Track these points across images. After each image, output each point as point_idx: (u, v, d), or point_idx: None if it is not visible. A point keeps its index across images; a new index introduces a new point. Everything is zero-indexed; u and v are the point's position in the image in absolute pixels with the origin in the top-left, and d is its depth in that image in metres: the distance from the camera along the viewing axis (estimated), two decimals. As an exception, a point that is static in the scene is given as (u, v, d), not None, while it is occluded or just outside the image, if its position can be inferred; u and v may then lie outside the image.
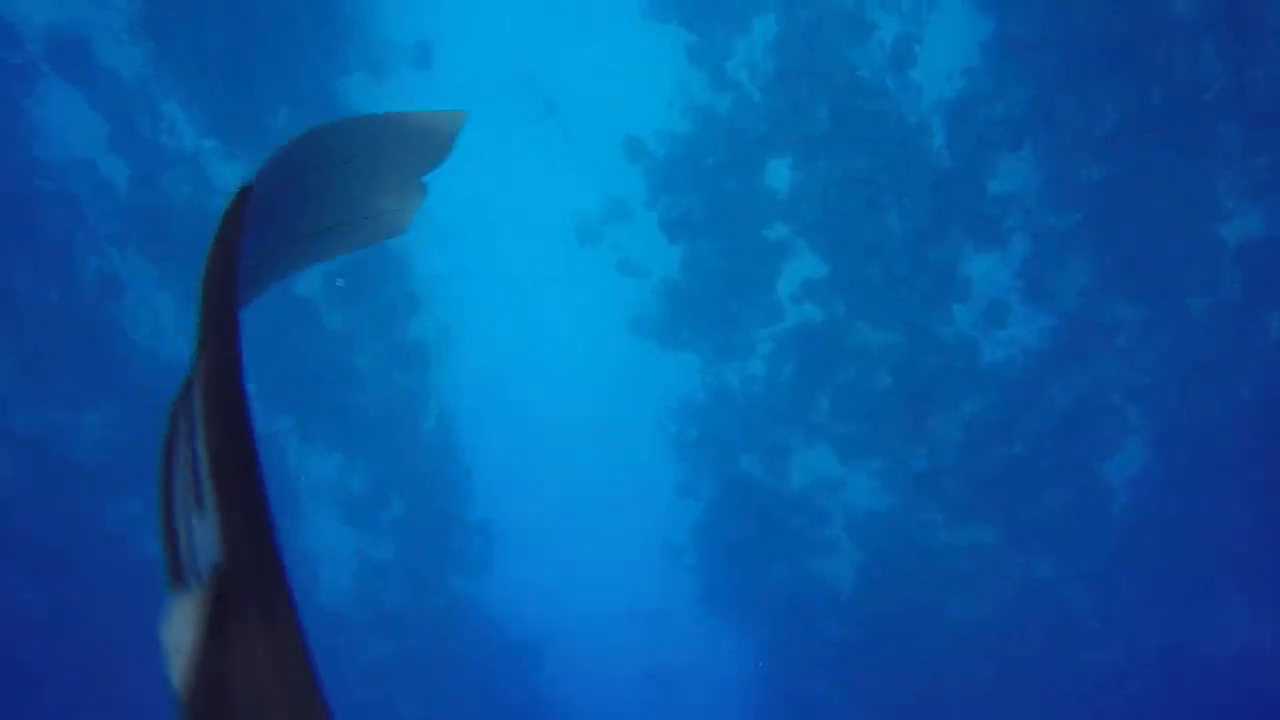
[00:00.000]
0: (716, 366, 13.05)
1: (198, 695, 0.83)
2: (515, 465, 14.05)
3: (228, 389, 1.02)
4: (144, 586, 13.64)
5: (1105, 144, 10.68)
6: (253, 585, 0.89)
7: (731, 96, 10.96)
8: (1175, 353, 11.79)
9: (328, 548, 14.98)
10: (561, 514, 14.95)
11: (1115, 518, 13.33)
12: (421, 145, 1.49)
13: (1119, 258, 11.28)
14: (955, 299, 11.50)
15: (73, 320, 11.26)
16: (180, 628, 0.89)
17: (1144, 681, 15.11)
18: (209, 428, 1.01)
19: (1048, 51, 10.08)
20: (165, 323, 12.00)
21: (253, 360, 11.96)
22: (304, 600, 15.05)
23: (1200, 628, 14.47)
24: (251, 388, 12.56)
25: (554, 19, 10.92)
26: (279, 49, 9.93)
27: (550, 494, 14.68)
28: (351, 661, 15.40)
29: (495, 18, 10.87)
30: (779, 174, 11.29)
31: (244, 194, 1.37)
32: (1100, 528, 13.56)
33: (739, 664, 17.18)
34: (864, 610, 15.07)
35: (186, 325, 11.94)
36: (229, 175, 10.76)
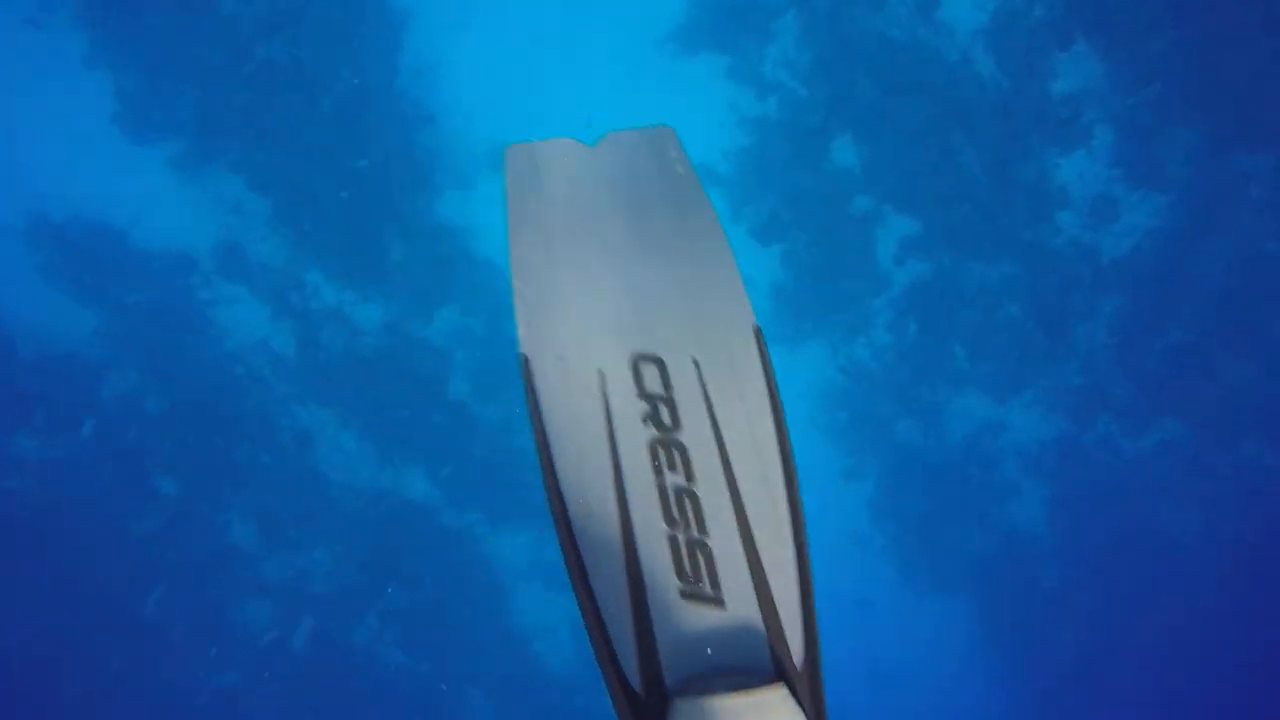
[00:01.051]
0: (845, 348, 13.35)
1: None
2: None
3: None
4: (395, 695, 15.10)
5: (1163, 7, 10.49)
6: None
7: (777, 98, 11.56)
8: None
9: (542, 622, 16.07)
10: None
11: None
12: None
13: (1220, 110, 10.88)
14: (1056, 208, 11.40)
15: (283, 477, 13.01)
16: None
17: None
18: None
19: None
20: (354, 459, 13.60)
21: (432, 464, 13.36)
22: (535, 675, 16.15)
23: None
24: (436, 493, 13.97)
25: (605, 86, 11.95)
26: (380, 194, 11.44)
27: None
28: (594, 718, 16.29)
29: (550, 103, 12.01)
30: (845, 152, 11.70)
31: None
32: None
33: (957, 635, 16.86)
34: (1071, 545, 14.58)
35: (368, 455, 13.50)
36: (370, 316, 12.31)
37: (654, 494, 1.11)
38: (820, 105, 11.40)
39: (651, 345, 1.23)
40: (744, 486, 1.12)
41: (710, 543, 1.08)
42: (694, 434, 1.15)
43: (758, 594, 1.05)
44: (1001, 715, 17.58)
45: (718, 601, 1.05)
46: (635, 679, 1.04)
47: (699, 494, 1.11)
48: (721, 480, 1.12)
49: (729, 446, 1.14)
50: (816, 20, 11.25)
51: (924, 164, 11.28)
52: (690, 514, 1.10)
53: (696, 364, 1.21)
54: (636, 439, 1.15)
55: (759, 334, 1.27)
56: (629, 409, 1.17)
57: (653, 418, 1.17)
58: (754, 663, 1.01)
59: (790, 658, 1.03)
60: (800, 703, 0.99)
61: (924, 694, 17.82)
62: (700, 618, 1.04)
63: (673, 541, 1.09)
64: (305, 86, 10.46)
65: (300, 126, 10.61)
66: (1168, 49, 10.53)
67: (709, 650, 1.03)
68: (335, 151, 10.74)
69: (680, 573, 1.08)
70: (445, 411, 12.84)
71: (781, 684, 0.99)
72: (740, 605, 1.05)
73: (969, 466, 13.97)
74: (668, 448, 1.14)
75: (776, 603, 1.05)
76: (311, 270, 11.61)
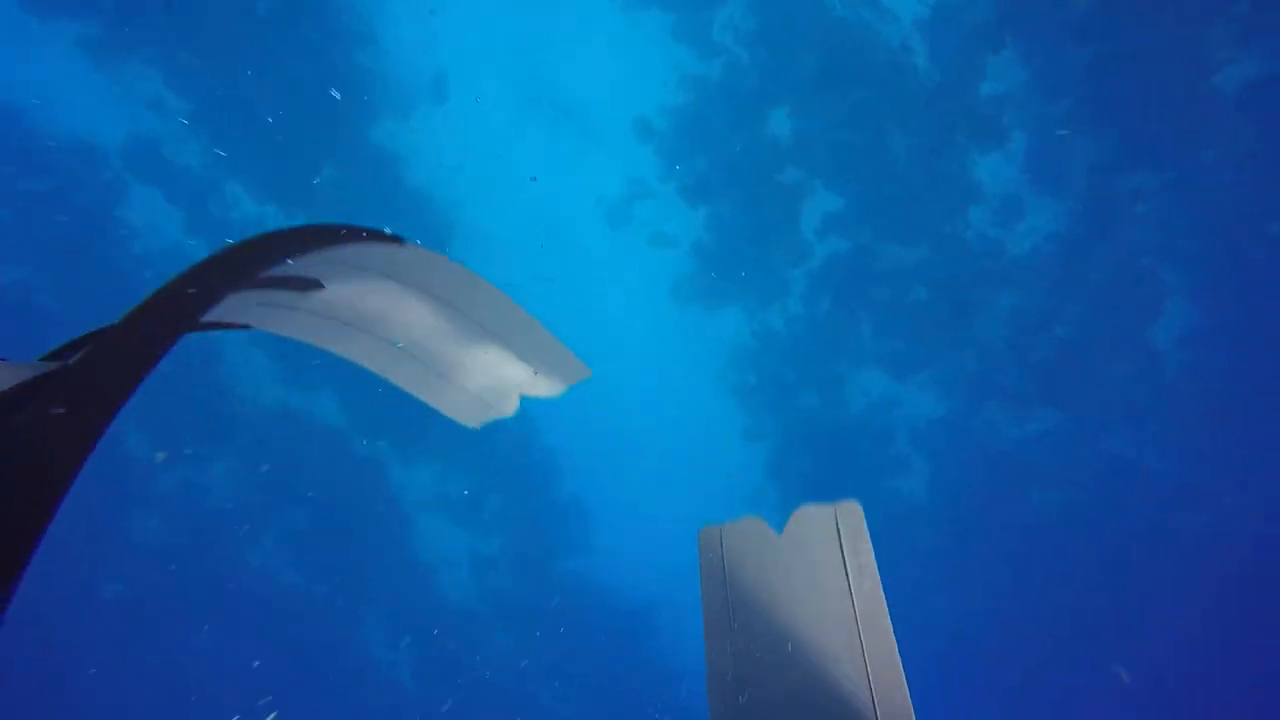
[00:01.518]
0: (760, 314, 13.84)
1: None
2: (595, 442, 15.13)
3: None
4: (287, 613, 15.13)
5: (1085, 24, 11.08)
6: None
7: (721, 61, 11.72)
8: (1199, 207, 12.09)
9: (442, 551, 16.32)
10: (645, 479, 15.97)
11: (1174, 379, 13.67)
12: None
13: (1121, 130, 11.66)
14: (970, 203, 12.05)
15: (186, 389, 12.69)
16: None
17: (1243, 543, 15.30)
18: None
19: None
20: (263, 377, 13.36)
21: (350, 393, 13.26)
22: (433, 604, 16.41)
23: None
24: (345, 418, 13.88)
25: (548, 29, 11.84)
26: (314, 113, 11.09)
27: (631, 462, 15.72)
28: (485, 651, 16.75)
29: (496, 38, 11.82)
30: (780, 122, 12.00)
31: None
32: (1161, 392, 13.89)
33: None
34: (949, 516, 15.70)
35: (278, 374, 13.27)
36: (291, 233, 11.99)
37: None
38: (761, 73, 11.63)
39: None
40: None
41: None
42: None
43: None
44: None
45: None
46: None
47: None
48: None
49: None
50: (768, -12, 11.40)
51: (855, 143, 11.71)
52: None
53: None
54: None
55: None
56: None
57: None
58: None
59: None
60: None
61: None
62: None
63: None
64: (238, -13, 10.00)
65: (231, 27, 10.15)
66: (1084, 65, 11.18)
67: None
68: (269, 59, 10.35)
69: None
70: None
71: None
72: None
73: (863, 438, 14.81)
74: None
75: None
76: (232, 180, 11.23)
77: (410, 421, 13.97)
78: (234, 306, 1.35)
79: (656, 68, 11.73)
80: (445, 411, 1.57)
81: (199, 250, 11.83)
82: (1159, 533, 15.36)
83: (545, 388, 1.63)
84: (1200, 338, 13.05)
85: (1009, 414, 14.36)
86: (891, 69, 11.66)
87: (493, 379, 1.57)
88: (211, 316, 1.29)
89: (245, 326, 1.28)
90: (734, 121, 11.77)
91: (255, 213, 11.55)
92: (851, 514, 1.59)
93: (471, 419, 1.62)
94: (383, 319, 1.43)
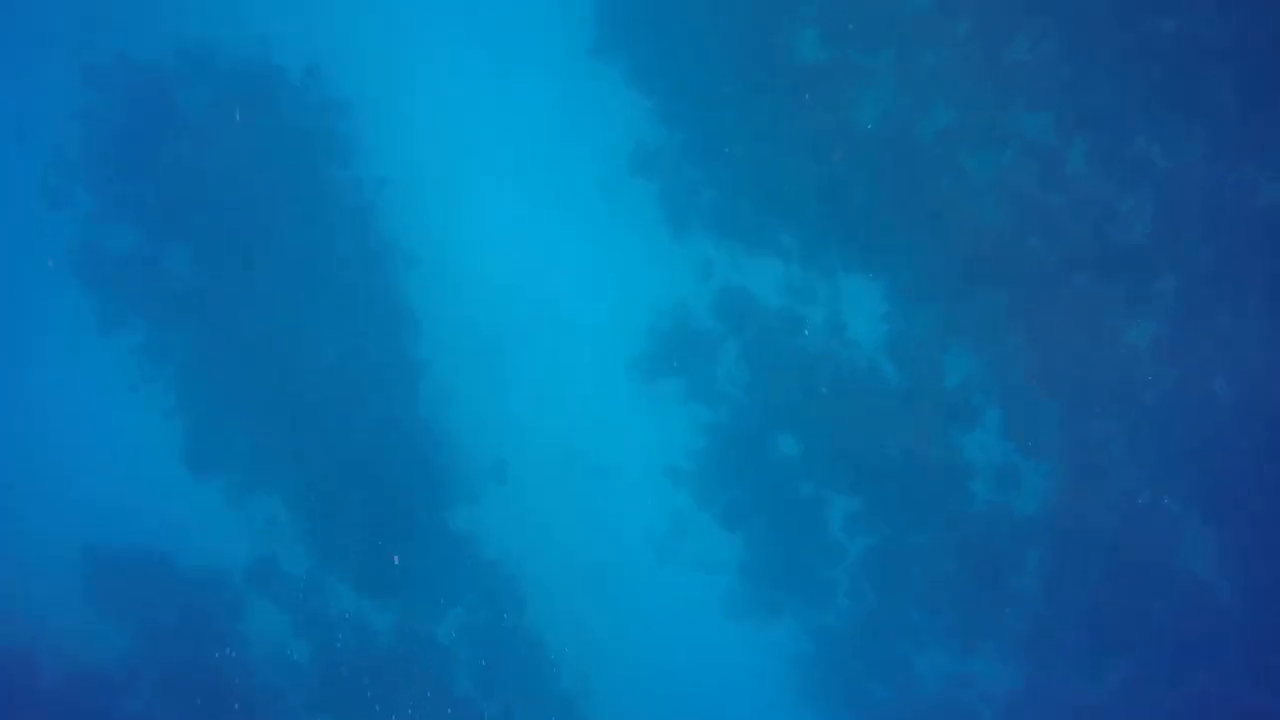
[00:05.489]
0: (812, 617, 14.69)
1: None
2: None
3: None
4: None
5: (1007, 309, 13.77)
6: None
7: (727, 407, 14.30)
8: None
9: None
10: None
11: (1227, 603, 13.95)
12: None
13: (1070, 382, 13.76)
14: (967, 479, 13.75)
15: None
16: None
17: None
18: None
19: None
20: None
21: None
22: None
23: None
24: None
25: (588, 406, 14.55)
26: (398, 510, 13.27)
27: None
28: None
29: (543, 426, 14.47)
30: (788, 445, 14.17)
31: None
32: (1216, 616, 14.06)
33: None
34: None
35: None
36: (383, 624, 13.43)
37: None
38: (761, 410, 14.12)
39: None
40: None
41: None
42: None
43: None
44: None
45: None
46: None
47: None
48: None
49: None
50: (750, 344, 14.40)
51: (852, 452, 13.78)
52: None
53: None
54: None
55: None
56: None
57: None
58: None
59: None
60: None
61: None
62: None
63: None
64: (341, 415, 12.79)
65: (334, 449, 12.73)
66: (1015, 346, 13.69)
67: None
68: (364, 470, 12.77)
69: None
70: (452, 710, 13.47)
71: None
72: None
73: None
74: None
75: None
76: (333, 577, 13.00)
77: None
78: None
79: (677, 423, 14.26)
80: None
81: (302, 650, 13.16)
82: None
83: None
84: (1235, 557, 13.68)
85: (1082, 670, 14.39)
86: (867, 386, 14.17)
87: None
88: None
89: None
90: (749, 454, 14.01)
91: (353, 606, 13.14)
92: None
93: None
94: None
